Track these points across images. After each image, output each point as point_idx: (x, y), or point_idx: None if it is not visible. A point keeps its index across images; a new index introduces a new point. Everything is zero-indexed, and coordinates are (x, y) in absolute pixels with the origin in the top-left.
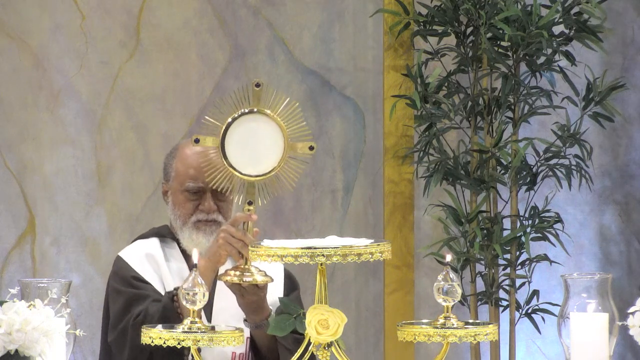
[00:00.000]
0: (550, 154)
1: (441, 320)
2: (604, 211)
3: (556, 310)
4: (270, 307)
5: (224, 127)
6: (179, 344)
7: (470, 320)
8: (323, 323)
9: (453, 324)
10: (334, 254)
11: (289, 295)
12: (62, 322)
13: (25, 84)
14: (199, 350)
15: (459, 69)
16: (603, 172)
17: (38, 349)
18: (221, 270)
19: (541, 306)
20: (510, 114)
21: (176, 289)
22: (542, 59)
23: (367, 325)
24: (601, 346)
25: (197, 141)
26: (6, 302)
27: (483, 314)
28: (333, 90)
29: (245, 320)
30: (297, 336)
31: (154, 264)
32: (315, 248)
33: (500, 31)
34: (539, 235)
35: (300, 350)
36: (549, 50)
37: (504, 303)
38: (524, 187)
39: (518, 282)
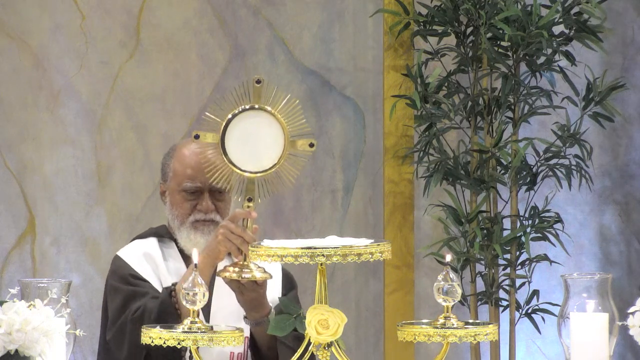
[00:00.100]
0: (550, 154)
1: (441, 320)
2: (604, 211)
3: (556, 310)
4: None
5: (224, 124)
6: (178, 344)
7: (470, 320)
8: (323, 323)
9: (453, 324)
10: (334, 254)
11: (287, 294)
12: (62, 322)
13: (25, 84)
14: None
15: (459, 69)
16: (603, 172)
17: (38, 349)
18: (220, 266)
19: (541, 306)
20: (510, 114)
21: (174, 284)
22: (542, 59)
23: (367, 325)
24: (601, 346)
25: (197, 137)
26: (6, 302)
27: (483, 314)
28: (333, 90)
29: (245, 317)
30: (297, 333)
31: (152, 263)
32: (315, 248)
33: (500, 31)
34: (539, 235)
35: (300, 350)
36: (549, 50)
37: (504, 303)
38: (524, 187)
39: (518, 282)
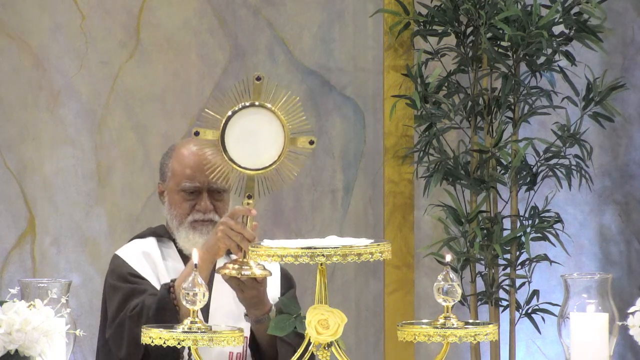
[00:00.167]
0: (550, 154)
1: (441, 320)
2: (604, 211)
3: (556, 310)
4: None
5: (224, 121)
6: (178, 344)
7: (470, 320)
8: (323, 323)
9: (453, 324)
10: (334, 254)
11: (285, 293)
12: (62, 322)
13: (25, 84)
14: None
15: (459, 69)
16: (603, 172)
17: (38, 349)
18: (219, 263)
19: (541, 306)
20: (510, 114)
21: (173, 280)
22: (542, 59)
23: (367, 325)
24: (601, 346)
25: (197, 134)
26: (6, 302)
27: (483, 314)
28: (333, 90)
29: (245, 315)
30: (297, 330)
31: (151, 263)
32: (315, 248)
33: (500, 31)
34: (539, 235)
35: (300, 350)
36: (549, 50)
37: (504, 303)
38: (524, 187)
39: (518, 282)
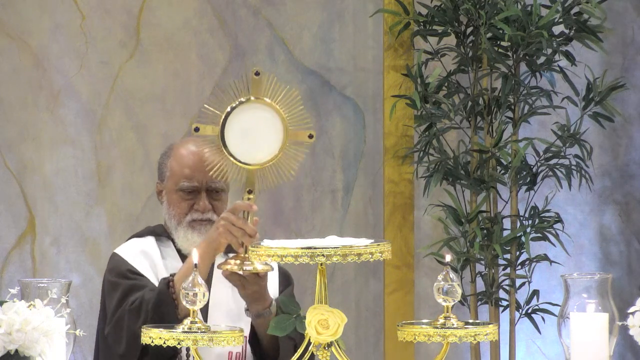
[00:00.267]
0: (550, 154)
1: (441, 320)
2: (604, 211)
3: (556, 310)
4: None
5: (223, 116)
6: (178, 344)
7: (470, 320)
8: (323, 323)
9: (453, 324)
10: (334, 254)
11: (284, 290)
12: (62, 322)
13: (25, 84)
14: None
15: (459, 69)
16: (603, 172)
17: (38, 349)
18: (216, 261)
19: (541, 306)
20: (510, 114)
21: (172, 275)
22: (542, 59)
23: (367, 325)
24: (601, 346)
25: (197, 130)
26: (6, 302)
27: (483, 314)
28: (333, 90)
29: (246, 310)
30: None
31: (150, 261)
32: (315, 248)
33: (500, 31)
34: (539, 235)
35: (300, 350)
36: (549, 50)
37: (504, 303)
38: (524, 187)
39: (518, 282)
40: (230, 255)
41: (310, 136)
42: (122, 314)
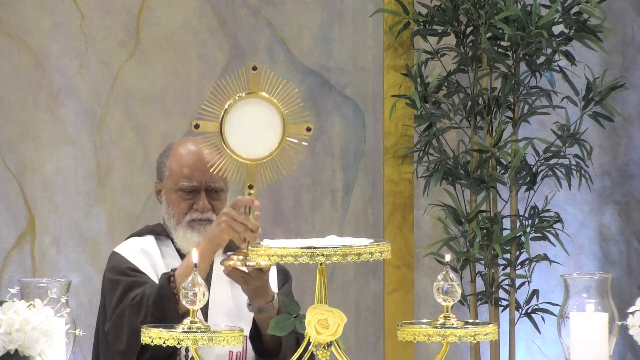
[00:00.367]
0: (550, 154)
1: (441, 320)
2: (604, 211)
3: (556, 310)
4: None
5: (222, 112)
6: (178, 344)
7: (470, 320)
8: (323, 323)
9: (453, 324)
10: (334, 254)
11: (283, 286)
12: (62, 322)
13: (25, 84)
14: None
15: (459, 69)
16: (603, 172)
17: (38, 349)
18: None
19: (541, 306)
20: (510, 114)
21: (173, 270)
22: (542, 59)
23: (367, 325)
24: (601, 346)
25: (197, 127)
26: (6, 302)
27: (483, 314)
28: (333, 90)
29: (249, 305)
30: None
31: (150, 260)
32: (315, 248)
33: (500, 31)
34: (539, 235)
35: (300, 350)
36: (549, 50)
37: (504, 303)
38: (524, 187)
39: (518, 282)
40: (229, 253)
41: (309, 129)
42: (123, 310)
